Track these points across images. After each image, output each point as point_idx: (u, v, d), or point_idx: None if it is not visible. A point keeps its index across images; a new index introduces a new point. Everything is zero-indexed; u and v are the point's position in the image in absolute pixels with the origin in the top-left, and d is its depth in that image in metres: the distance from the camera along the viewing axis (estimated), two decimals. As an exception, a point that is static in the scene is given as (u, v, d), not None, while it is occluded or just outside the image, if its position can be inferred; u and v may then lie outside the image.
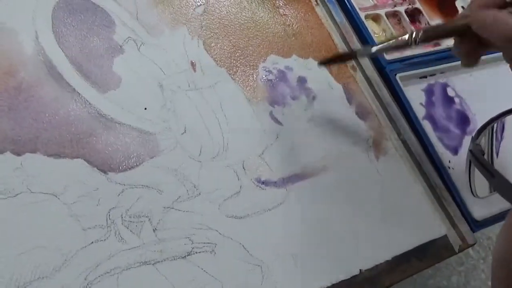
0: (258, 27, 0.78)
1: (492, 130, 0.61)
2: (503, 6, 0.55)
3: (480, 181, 0.58)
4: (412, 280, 1.80)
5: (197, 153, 0.64)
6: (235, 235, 0.61)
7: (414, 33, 0.62)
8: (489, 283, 0.49)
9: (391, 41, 0.64)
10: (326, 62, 0.72)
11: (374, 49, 0.65)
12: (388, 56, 0.85)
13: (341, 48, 0.83)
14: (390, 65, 0.85)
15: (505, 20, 0.52)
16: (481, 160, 0.51)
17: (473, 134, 0.55)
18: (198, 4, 0.75)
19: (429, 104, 0.86)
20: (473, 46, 0.59)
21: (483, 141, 0.57)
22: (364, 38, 0.85)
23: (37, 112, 0.58)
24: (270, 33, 0.78)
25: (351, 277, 0.65)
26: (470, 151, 0.53)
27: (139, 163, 0.60)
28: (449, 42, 0.92)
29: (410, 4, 0.95)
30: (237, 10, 0.78)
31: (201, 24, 0.73)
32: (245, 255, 0.61)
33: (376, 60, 0.85)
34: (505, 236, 0.48)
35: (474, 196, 0.60)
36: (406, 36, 0.63)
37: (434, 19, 0.96)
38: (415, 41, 0.62)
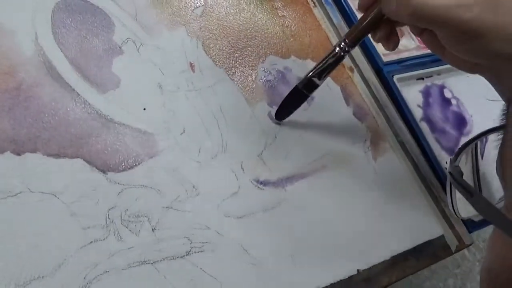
0: (257, 28, 0.79)
1: (476, 148, 0.61)
2: None
3: (462, 202, 0.59)
4: (408, 283, 1.80)
5: (196, 153, 0.64)
6: (234, 235, 0.62)
7: (342, 43, 0.63)
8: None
9: (321, 63, 0.65)
10: (282, 114, 0.72)
11: (309, 74, 0.66)
12: (386, 58, 0.85)
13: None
14: (387, 66, 0.85)
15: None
16: (459, 181, 0.51)
17: (452, 156, 0.55)
18: (197, 5, 0.75)
19: (426, 105, 0.87)
20: (389, 29, 0.61)
21: (463, 161, 0.57)
22: (362, 39, 0.86)
23: (37, 112, 0.58)
24: (268, 34, 0.79)
25: (348, 277, 0.65)
26: (450, 173, 0.53)
27: (138, 163, 0.61)
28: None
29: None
30: (236, 11, 0.78)
31: (200, 25, 0.74)
32: (244, 254, 0.61)
33: (373, 61, 0.85)
34: (490, 250, 0.49)
35: (457, 216, 0.60)
36: (336, 49, 0.63)
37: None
38: (345, 50, 0.63)
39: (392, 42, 0.63)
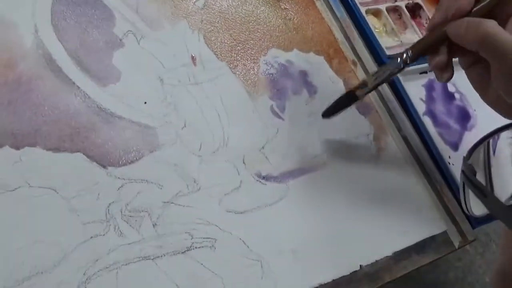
0: (259, 20, 0.78)
1: (488, 145, 0.60)
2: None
3: (475, 201, 0.58)
4: (409, 276, 1.79)
5: (197, 148, 0.64)
6: (235, 230, 0.61)
7: (405, 54, 0.62)
8: (487, 278, 0.50)
9: (385, 70, 0.64)
10: (330, 113, 0.70)
11: (372, 84, 0.65)
12: (389, 51, 0.85)
13: (342, 42, 0.82)
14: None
15: (477, 24, 0.52)
16: (473, 181, 0.51)
17: (465, 154, 0.54)
18: (199, -3, 0.75)
19: (429, 99, 0.86)
20: (446, 58, 0.59)
21: (476, 160, 0.56)
22: (365, 33, 0.85)
23: (37, 105, 0.58)
24: (271, 27, 0.78)
25: (351, 273, 0.65)
26: (462, 171, 0.52)
27: (139, 157, 0.60)
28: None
29: (410, -1, 0.95)
30: (238, 3, 0.77)
31: (202, 18, 0.73)
32: (245, 250, 0.60)
33: (376, 55, 0.84)
34: (503, 252, 0.48)
35: (470, 214, 0.59)
36: (398, 60, 0.62)
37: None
38: (406, 62, 0.62)
39: (446, 73, 0.61)
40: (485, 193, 0.49)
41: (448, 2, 0.58)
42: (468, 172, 0.52)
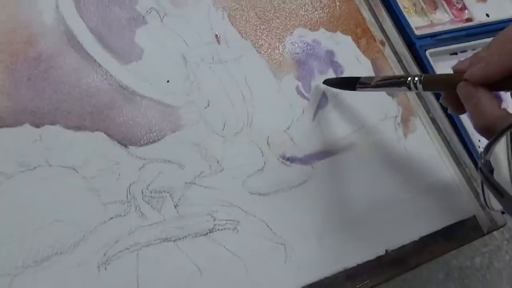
0: (285, -1, 0.76)
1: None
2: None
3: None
4: (434, 260, 1.78)
5: (220, 128, 0.62)
6: (259, 212, 0.60)
7: (416, 77, 0.58)
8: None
9: (394, 79, 0.61)
10: (329, 83, 0.70)
11: (373, 83, 0.63)
12: (418, 32, 0.83)
13: (370, 22, 0.80)
14: (420, 40, 0.82)
15: (484, 110, 0.49)
16: (489, 179, 0.48)
17: (483, 148, 0.51)
18: (223, -26, 0.73)
19: (459, 81, 0.84)
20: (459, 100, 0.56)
21: (496, 154, 0.53)
22: (394, 12, 0.83)
23: (57, 83, 0.57)
24: (297, 6, 0.76)
25: (376, 258, 0.64)
26: (480, 169, 0.50)
27: (160, 137, 0.59)
28: (481, 18, 0.90)
29: (441, -22, 0.92)
30: (263, -19, 0.76)
31: (226, -5, 0.72)
32: (269, 233, 0.60)
33: (405, 35, 0.82)
34: None
35: (489, 208, 0.57)
36: (408, 79, 0.59)
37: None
38: (415, 84, 0.58)
39: (459, 110, 0.58)
40: (502, 192, 0.47)
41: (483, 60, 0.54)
42: (485, 169, 0.49)
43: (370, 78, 0.64)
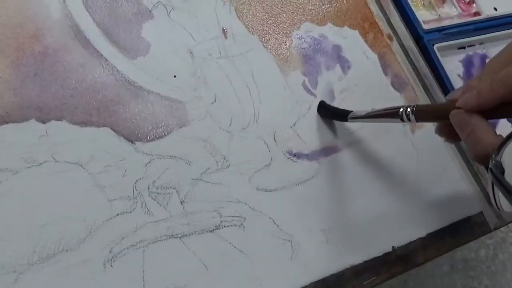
0: (292, -7, 0.76)
1: None
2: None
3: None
4: (439, 253, 1.79)
5: (227, 123, 0.62)
6: (265, 208, 0.60)
7: (408, 109, 0.57)
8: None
9: (387, 110, 0.60)
10: (323, 113, 0.69)
11: (364, 113, 0.62)
12: (426, 26, 0.82)
13: (377, 16, 0.80)
14: (427, 35, 0.82)
15: (480, 138, 0.49)
16: (501, 180, 0.48)
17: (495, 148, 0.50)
18: (230, -32, 0.73)
19: (467, 75, 0.84)
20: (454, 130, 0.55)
21: (507, 155, 0.52)
22: (401, 6, 0.82)
23: (63, 78, 0.57)
24: (304, 0, 0.76)
25: (383, 254, 0.64)
26: (490, 169, 0.49)
27: (167, 132, 0.59)
28: (489, 12, 0.90)
29: (450, -29, 0.92)
30: (271, -25, 0.75)
31: (233, -11, 0.71)
32: (275, 229, 0.59)
33: (413, 29, 0.82)
34: None
35: (499, 210, 0.57)
36: (400, 110, 0.57)
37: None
38: (407, 115, 0.57)
39: (454, 139, 0.57)
40: None
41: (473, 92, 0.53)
42: (496, 170, 0.49)
43: (362, 111, 0.64)
